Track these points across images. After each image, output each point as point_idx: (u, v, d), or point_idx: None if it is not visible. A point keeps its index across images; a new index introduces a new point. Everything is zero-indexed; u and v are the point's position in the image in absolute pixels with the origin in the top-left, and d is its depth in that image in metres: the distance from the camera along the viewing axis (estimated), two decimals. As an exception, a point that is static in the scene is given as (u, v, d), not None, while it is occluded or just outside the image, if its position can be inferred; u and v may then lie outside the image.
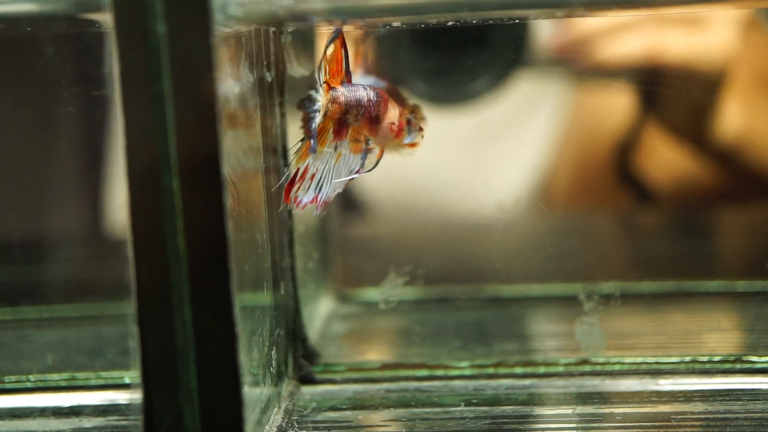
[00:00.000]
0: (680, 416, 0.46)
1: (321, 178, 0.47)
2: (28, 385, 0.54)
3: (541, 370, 0.52)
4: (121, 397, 0.52)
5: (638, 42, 0.72)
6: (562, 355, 0.53)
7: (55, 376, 0.54)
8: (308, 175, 0.47)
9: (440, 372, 0.53)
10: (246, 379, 0.40)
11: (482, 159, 0.83)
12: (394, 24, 0.53)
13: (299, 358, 0.54)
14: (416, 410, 0.49)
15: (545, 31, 0.73)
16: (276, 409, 0.48)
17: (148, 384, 0.39)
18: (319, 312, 0.63)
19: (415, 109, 0.49)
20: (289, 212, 0.53)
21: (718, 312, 0.61)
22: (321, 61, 0.47)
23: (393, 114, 0.48)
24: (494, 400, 0.49)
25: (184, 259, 0.39)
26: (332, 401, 0.51)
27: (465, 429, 0.46)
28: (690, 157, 0.77)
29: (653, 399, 0.48)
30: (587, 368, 0.52)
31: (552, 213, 0.80)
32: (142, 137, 0.39)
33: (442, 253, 0.71)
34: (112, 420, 0.50)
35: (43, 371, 0.55)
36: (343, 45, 0.48)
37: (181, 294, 0.39)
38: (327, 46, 0.48)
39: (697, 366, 0.51)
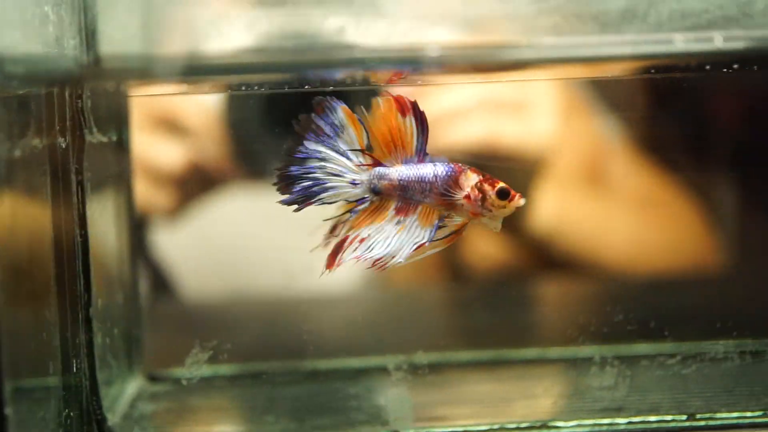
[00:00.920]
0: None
1: (373, 243, 0.46)
2: None
3: (351, 443, 0.51)
4: None
5: (474, 128, 0.72)
6: (372, 428, 0.52)
7: None
8: (357, 239, 0.46)
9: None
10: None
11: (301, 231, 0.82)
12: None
13: (94, 441, 0.50)
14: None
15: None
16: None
17: None
18: (126, 391, 0.59)
19: (493, 185, 0.46)
20: (86, 285, 0.50)
21: (530, 379, 0.62)
22: (359, 134, 0.46)
23: (467, 191, 0.45)
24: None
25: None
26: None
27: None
28: (507, 242, 0.78)
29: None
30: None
31: (374, 286, 0.80)
32: None
33: (258, 328, 0.69)
34: None
35: None
36: (417, 116, 0.45)
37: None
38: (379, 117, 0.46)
39: (504, 432, 0.51)
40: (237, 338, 0.59)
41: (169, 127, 0.73)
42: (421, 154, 0.46)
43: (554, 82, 0.71)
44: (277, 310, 0.71)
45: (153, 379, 0.63)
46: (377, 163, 0.46)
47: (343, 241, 0.46)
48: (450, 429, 0.51)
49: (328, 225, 0.48)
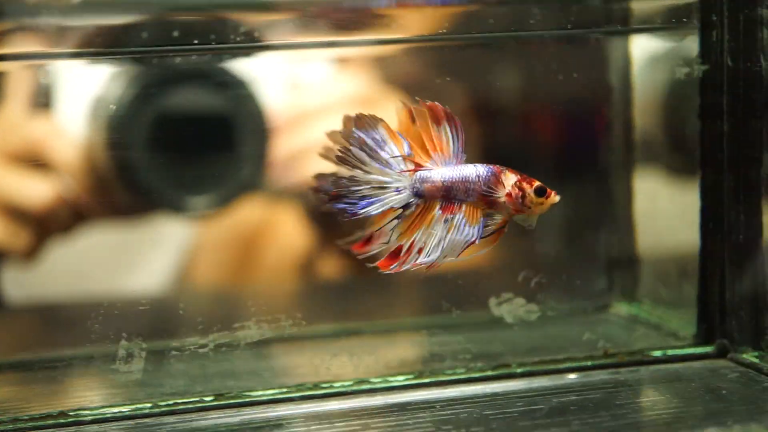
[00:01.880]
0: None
1: (429, 250, 0.48)
2: None
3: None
4: None
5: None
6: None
7: None
8: (415, 250, 0.48)
9: None
10: None
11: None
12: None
13: None
14: None
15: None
16: None
17: None
18: None
19: (531, 183, 0.48)
20: None
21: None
22: (399, 146, 0.47)
23: (509, 189, 0.47)
24: None
25: None
26: None
27: None
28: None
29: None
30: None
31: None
32: None
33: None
34: None
35: None
36: (451, 123, 0.47)
37: None
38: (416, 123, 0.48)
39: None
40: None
41: (31, 161, 0.67)
42: (459, 157, 0.48)
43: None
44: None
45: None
46: (418, 168, 0.48)
47: (399, 249, 0.48)
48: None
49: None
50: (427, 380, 0.54)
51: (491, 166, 0.48)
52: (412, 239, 0.48)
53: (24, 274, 0.69)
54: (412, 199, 0.48)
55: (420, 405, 0.51)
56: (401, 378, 0.54)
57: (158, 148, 0.63)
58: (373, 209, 0.48)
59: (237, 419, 0.51)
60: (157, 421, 0.51)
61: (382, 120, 0.48)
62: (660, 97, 0.62)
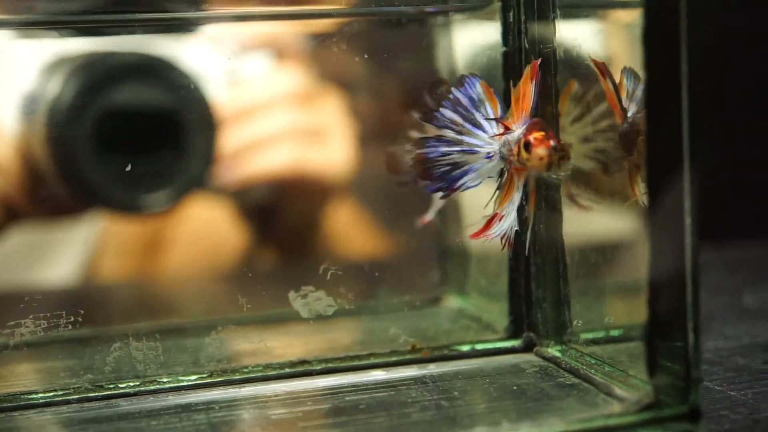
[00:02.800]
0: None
1: (506, 216, 0.47)
2: None
3: None
4: None
5: (279, 156, 0.68)
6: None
7: None
8: (497, 218, 0.47)
9: None
10: None
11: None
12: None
13: None
14: None
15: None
16: None
17: None
18: None
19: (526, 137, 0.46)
20: None
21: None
22: (495, 107, 0.46)
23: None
24: None
25: None
26: None
27: None
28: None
29: None
30: None
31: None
32: None
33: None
34: None
35: None
36: (537, 80, 0.46)
37: None
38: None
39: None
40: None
41: None
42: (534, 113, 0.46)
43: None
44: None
45: None
46: (506, 131, 0.46)
47: (493, 217, 0.47)
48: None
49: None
50: (218, 379, 0.52)
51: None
52: (503, 208, 0.47)
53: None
54: (501, 166, 0.46)
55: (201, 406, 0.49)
56: (193, 378, 0.52)
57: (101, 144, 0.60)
58: (471, 181, 0.46)
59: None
60: None
61: (481, 80, 0.46)
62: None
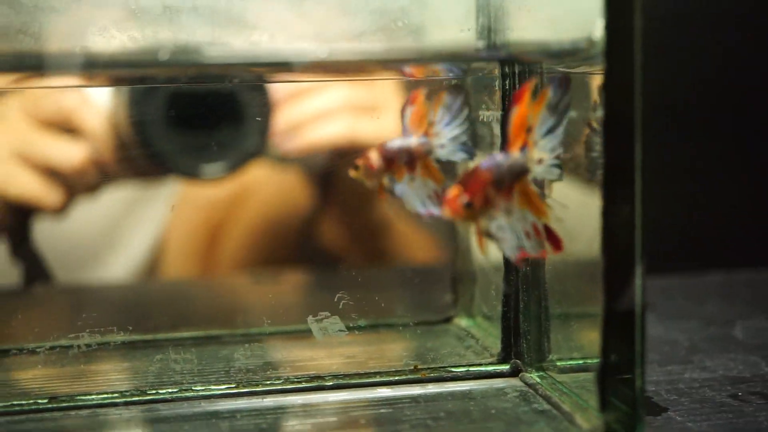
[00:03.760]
0: None
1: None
2: None
3: None
4: None
5: (336, 127, 0.83)
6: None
7: None
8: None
9: None
10: None
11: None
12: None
13: None
14: None
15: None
16: None
17: None
18: None
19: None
20: None
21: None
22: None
23: None
24: None
25: None
26: None
27: None
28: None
29: None
30: None
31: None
32: None
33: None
34: None
35: None
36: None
37: None
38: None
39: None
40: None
41: (62, 125, 0.80)
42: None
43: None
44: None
45: None
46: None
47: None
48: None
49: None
50: (243, 390, 0.60)
51: None
52: None
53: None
54: None
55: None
56: (223, 387, 0.60)
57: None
58: None
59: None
60: None
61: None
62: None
